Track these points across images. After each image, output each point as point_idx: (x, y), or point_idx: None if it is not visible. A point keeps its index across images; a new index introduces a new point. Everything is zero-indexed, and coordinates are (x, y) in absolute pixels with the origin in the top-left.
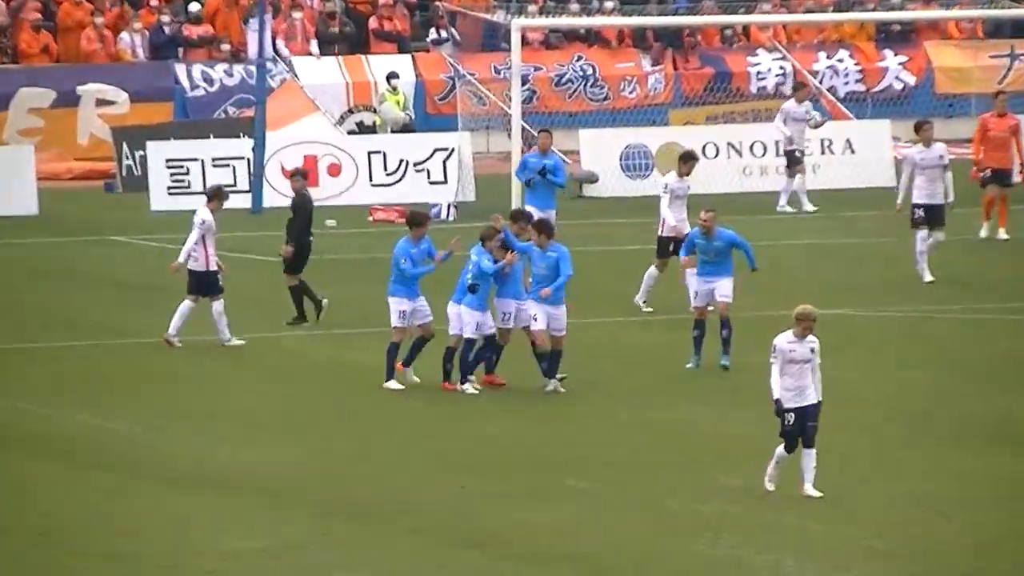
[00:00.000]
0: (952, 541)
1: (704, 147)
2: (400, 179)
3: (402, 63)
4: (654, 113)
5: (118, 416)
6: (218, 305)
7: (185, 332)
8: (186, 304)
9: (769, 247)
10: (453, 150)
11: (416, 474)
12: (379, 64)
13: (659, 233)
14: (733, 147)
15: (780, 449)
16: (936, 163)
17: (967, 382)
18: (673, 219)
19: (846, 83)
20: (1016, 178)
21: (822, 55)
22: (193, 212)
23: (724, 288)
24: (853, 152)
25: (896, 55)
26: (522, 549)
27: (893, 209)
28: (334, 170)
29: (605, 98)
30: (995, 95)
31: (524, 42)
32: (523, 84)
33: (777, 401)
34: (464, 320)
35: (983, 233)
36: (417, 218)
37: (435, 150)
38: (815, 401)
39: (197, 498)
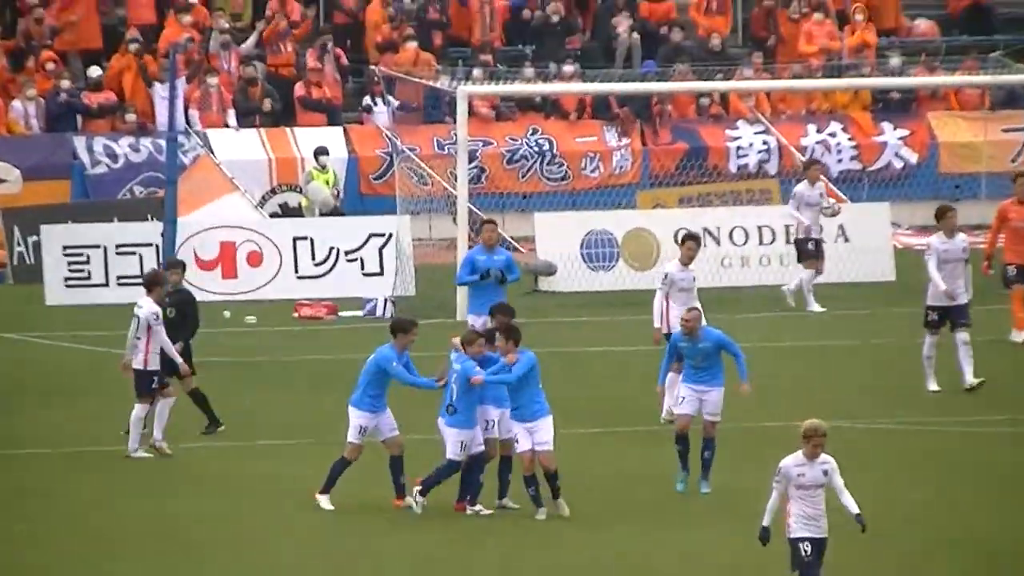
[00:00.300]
0: None
1: (676, 234)
2: (330, 270)
3: (333, 136)
4: (620, 194)
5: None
6: (139, 410)
7: (92, 441)
8: (136, 412)
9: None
10: (390, 236)
11: None
12: (306, 137)
13: (662, 331)
14: (710, 234)
15: None
16: (959, 256)
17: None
18: (676, 315)
19: (839, 160)
20: None
21: (811, 128)
22: (133, 304)
23: (712, 403)
24: (847, 240)
25: (896, 128)
26: None
27: (890, 307)
28: (254, 259)
29: (564, 177)
30: (1013, 178)
31: (471, 112)
32: (470, 161)
33: (764, 530)
34: (447, 439)
35: (1018, 338)
36: (403, 325)
37: (370, 236)
38: (824, 535)
39: None
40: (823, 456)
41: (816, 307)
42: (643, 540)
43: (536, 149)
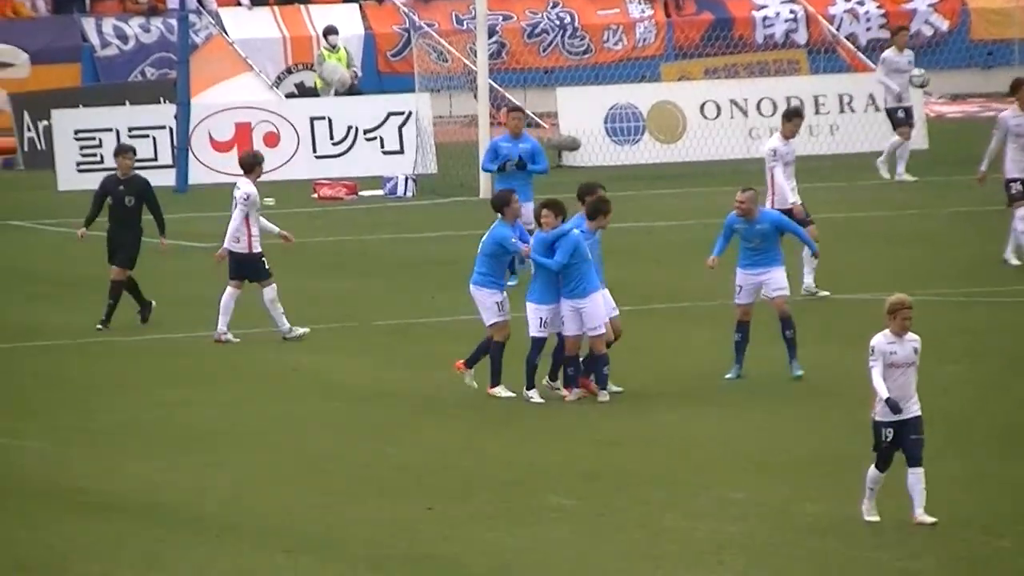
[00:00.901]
0: (1003, 562)
1: (703, 106)
2: (348, 149)
3: (348, 13)
4: (643, 67)
5: (30, 432)
6: (269, 292)
7: (109, 333)
8: (229, 292)
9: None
10: (410, 114)
11: (371, 495)
12: (321, 15)
13: (794, 202)
14: (737, 106)
15: (872, 470)
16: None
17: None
18: (790, 192)
19: (868, 29)
20: None
21: None
22: (232, 186)
23: (777, 279)
24: (877, 110)
25: None
26: None
27: (924, 175)
28: (271, 139)
29: (586, 51)
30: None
31: None
32: (490, 36)
33: (889, 400)
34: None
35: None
36: (504, 198)
37: (389, 115)
38: (918, 412)
39: (115, 526)
40: (911, 334)
41: (907, 176)
42: (647, 420)
43: (557, 22)
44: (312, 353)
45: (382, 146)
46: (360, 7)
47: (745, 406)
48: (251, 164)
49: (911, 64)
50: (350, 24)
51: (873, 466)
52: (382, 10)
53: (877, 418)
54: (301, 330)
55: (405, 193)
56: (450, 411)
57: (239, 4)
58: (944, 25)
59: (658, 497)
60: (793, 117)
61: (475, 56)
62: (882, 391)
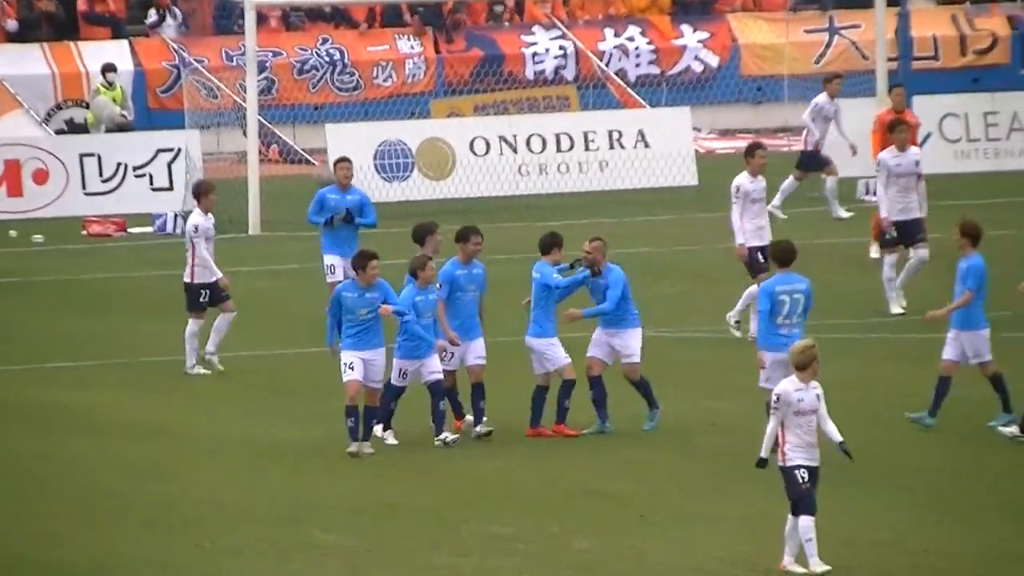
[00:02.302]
0: None
1: (472, 143)
2: (118, 186)
3: (118, 50)
4: (413, 103)
5: None
6: (192, 325)
7: None
8: (189, 328)
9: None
10: (179, 151)
11: (138, 531)
12: (91, 51)
13: (741, 244)
14: (506, 142)
15: (804, 520)
16: (912, 170)
17: None
18: (751, 226)
19: (638, 65)
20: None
21: (609, 32)
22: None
23: (629, 344)
24: (647, 146)
25: (695, 31)
26: None
27: (694, 212)
28: (40, 176)
29: (356, 87)
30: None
31: (260, 22)
32: (260, 72)
33: (761, 460)
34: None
35: (874, 253)
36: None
37: (158, 151)
38: (816, 464)
39: None
40: (813, 381)
41: (842, 212)
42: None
43: (327, 59)
44: (81, 390)
45: (151, 183)
46: (130, 43)
47: (512, 442)
48: (197, 192)
49: (837, 113)
50: (120, 60)
51: (792, 516)
52: (151, 46)
53: (789, 464)
54: (202, 370)
55: (174, 230)
56: (216, 446)
57: (8, 39)
58: (714, 61)
59: (425, 533)
60: (755, 151)
61: (245, 92)
62: (764, 448)
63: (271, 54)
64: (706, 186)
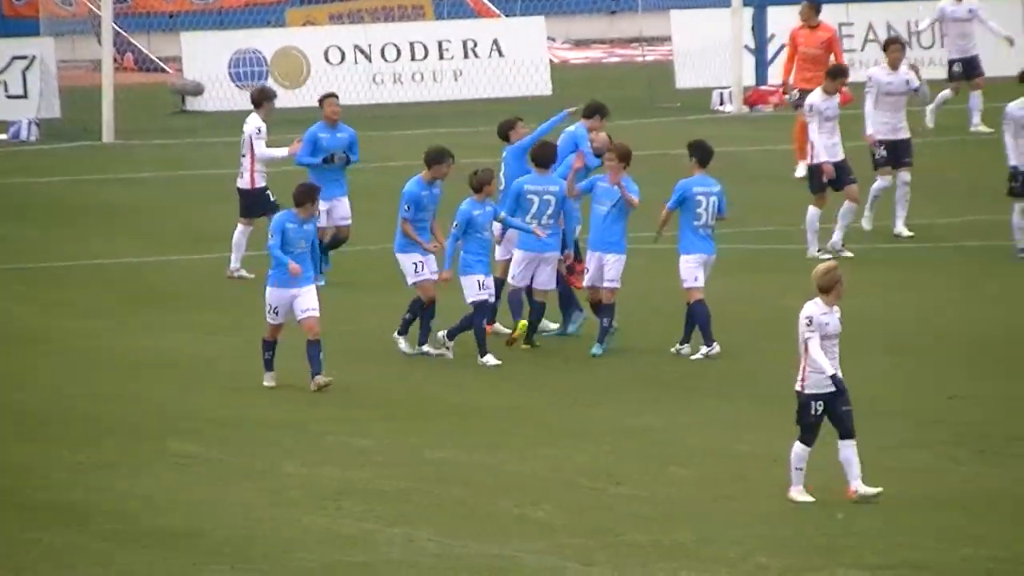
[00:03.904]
0: (619, 505)
1: (327, 52)
2: None
3: None
4: (268, 13)
5: None
6: (244, 230)
7: None
8: (239, 230)
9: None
10: (34, 58)
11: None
12: None
13: (808, 162)
14: (361, 51)
15: (798, 447)
16: (904, 89)
17: None
18: (822, 150)
19: None
20: None
21: None
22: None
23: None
24: (502, 55)
25: None
26: (113, 526)
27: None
28: None
29: None
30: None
31: None
32: None
33: (835, 377)
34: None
35: (800, 172)
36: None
37: (13, 58)
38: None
39: None
40: (836, 304)
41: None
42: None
43: None
44: None
45: (6, 90)
46: None
47: (380, 359)
48: (258, 99)
49: (973, 13)
50: None
51: (798, 442)
52: None
53: (807, 391)
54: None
55: (29, 137)
56: (79, 356)
57: None
58: None
59: (283, 444)
60: (837, 76)
61: (100, 0)
62: (826, 366)
63: None
64: (560, 96)
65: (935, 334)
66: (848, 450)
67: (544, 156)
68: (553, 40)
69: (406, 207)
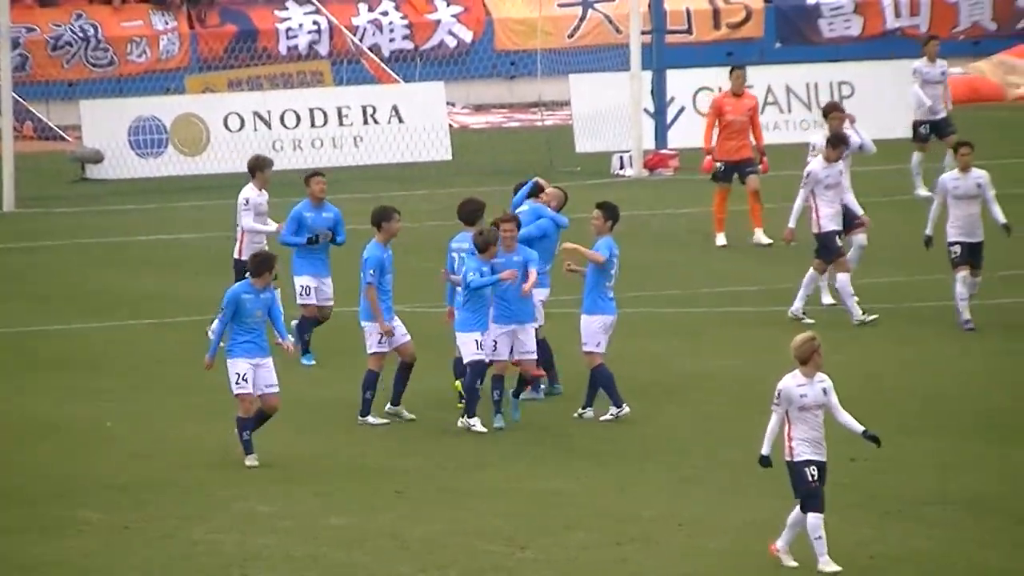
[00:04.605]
0: (523, 570)
1: (226, 118)
2: None
3: None
4: (168, 79)
5: None
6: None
7: None
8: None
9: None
10: None
11: None
12: None
13: (817, 231)
14: (260, 117)
15: (796, 512)
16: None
17: None
18: (829, 211)
19: (392, 40)
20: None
21: (363, 8)
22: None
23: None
24: (401, 121)
25: (449, 6)
26: None
27: (446, 187)
28: None
29: (110, 63)
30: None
31: None
32: (13, 48)
33: (763, 459)
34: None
35: (720, 241)
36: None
37: None
38: (823, 458)
39: None
40: (819, 374)
41: (923, 191)
42: (175, 432)
43: (81, 34)
44: None
45: None
46: None
47: (278, 421)
48: (251, 168)
49: (945, 75)
50: None
51: (809, 513)
52: None
53: (796, 459)
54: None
55: None
56: None
57: None
58: (468, 36)
59: (185, 510)
60: (838, 144)
61: None
62: (766, 444)
63: (24, 30)
64: (460, 160)
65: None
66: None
67: (467, 214)
68: (452, 105)
69: (371, 272)
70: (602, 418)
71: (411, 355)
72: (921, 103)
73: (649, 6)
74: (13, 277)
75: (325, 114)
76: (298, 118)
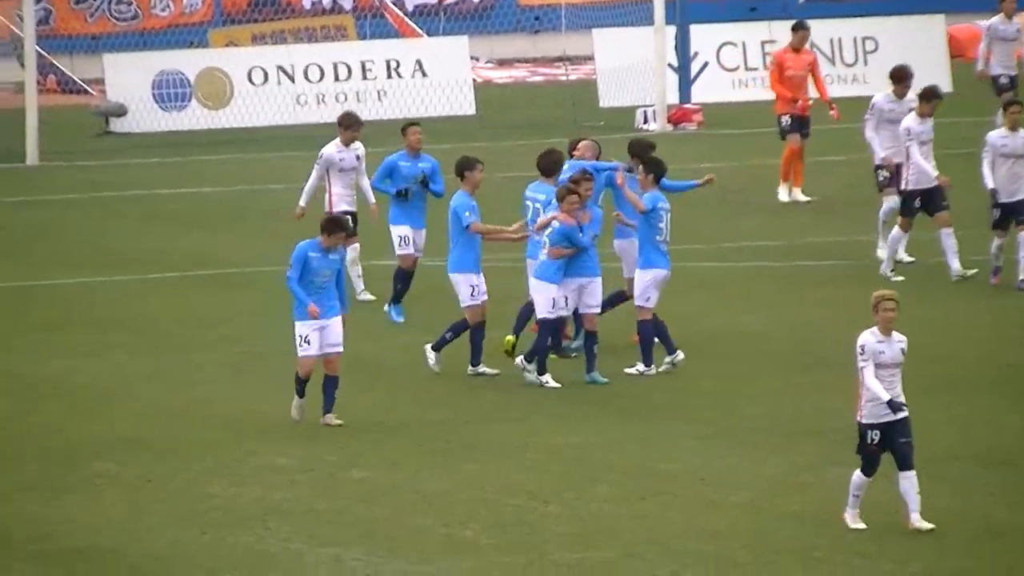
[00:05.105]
0: (549, 526)
1: (250, 72)
2: None
3: None
4: (191, 34)
5: None
6: (350, 251)
7: None
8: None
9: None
10: None
11: None
12: None
13: (904, 187)
14: (284, 72)
15: (857, 475)
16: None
17: None
18: (931, 168)
19: None
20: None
21: None
22: None
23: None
24: (425, 75)
25: None
26: (35, 547)
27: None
28: None
29: (133, 17)
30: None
31: None
32: (37, 2)
33: (891, 402)
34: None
35: (783, 196)
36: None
37: None
38: (906, 414)
39: None
40: (897, 333)
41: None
42: (185, 395)
43: None
44: None
45: None
46: None
47: (293, 375)
48: (342, 124)
49: (1019, 33)
50: None
51: (859, 471)
52: None
53: (864, 420)
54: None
55: None
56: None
57: None
58: None
59: (203, 464)
60: (931, 98)
61: (22, 22)
62: (881, 393)
63: None
64: (484, 115)
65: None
66: (906, 482)
67: (547, 165)
68: (476, 60)
69: (466, 214)
70: (626, 370)
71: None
72: (988, 63)
73: None
74: (36, 231)
75: (349, 68)
76: (322, 72)
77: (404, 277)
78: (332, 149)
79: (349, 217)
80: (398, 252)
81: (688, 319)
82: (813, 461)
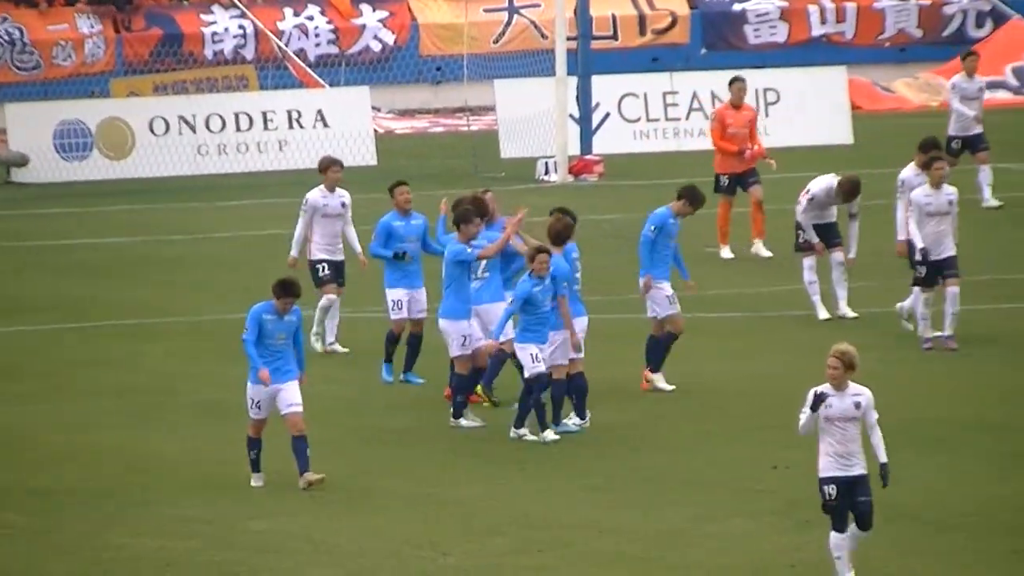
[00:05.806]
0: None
1: (151, 122)
2: None
3: None
4: (93, 83)
5: None
6: (323, 300)
7: None
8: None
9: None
10: None
11: None
12: None
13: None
14: (185, 122)
15: (831, 536)
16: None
17: None
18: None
19: (317, 45)
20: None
21: (288, 12)
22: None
23: None
24: (327, 125)
25: (375, 11)
26: None
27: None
28: None
29: (35, 67)
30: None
31: None
32: None
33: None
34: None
35: (726, 254)
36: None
37: None
38: (863, 471)
39: None
40: (855, 387)
41: (992, 201)
42: (92, 439)
43: (6, 37)
44: None
45: None
46: None
47: (198, 424)
48: (320, 167)
49: (982, 92)
50: None
51: (832, 531)
52: None
53: (820, 474)
54: (342, 348)
55: None
56: None
57: None
58: (392, 40)
59: (105, 513)
60: (931, 149)
61: None
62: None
63: None
64: (385, 166)
65: (763, 404)
66: (853, 541)
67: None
68: (378, 110)
69: (468, 251)
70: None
71: (478, 365)
72: (962, 115)
73: (575, 12)
74: None
75: (251, 118)
76: (223, 122)
77: (395, 340)
78: (316, 194)
79: (325, 265)
80: (392, 316)
81: (591, 369)
82: (716, 513)
